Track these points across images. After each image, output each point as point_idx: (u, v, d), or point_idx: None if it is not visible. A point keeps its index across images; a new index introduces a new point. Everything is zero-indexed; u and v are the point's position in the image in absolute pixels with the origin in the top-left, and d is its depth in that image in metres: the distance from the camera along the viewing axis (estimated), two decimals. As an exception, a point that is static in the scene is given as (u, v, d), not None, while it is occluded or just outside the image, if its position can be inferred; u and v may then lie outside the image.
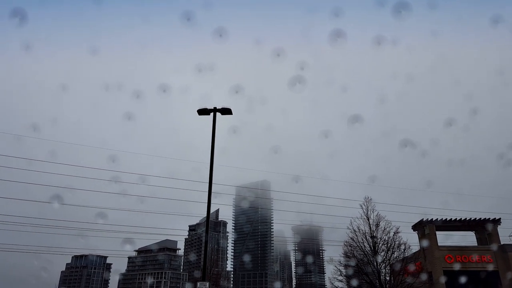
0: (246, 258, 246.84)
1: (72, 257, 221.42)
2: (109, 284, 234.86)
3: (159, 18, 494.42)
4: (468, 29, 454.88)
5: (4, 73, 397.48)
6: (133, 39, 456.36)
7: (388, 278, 33.44)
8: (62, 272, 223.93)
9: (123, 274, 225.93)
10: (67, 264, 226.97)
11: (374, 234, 33.59)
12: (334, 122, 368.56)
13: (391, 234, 33.43)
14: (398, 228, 33.89)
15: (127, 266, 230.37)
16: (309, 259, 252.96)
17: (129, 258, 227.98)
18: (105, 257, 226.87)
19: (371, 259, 33.18)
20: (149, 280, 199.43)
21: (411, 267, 33.81)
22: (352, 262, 34.03)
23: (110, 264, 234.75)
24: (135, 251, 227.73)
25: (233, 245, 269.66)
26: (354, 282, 33.56)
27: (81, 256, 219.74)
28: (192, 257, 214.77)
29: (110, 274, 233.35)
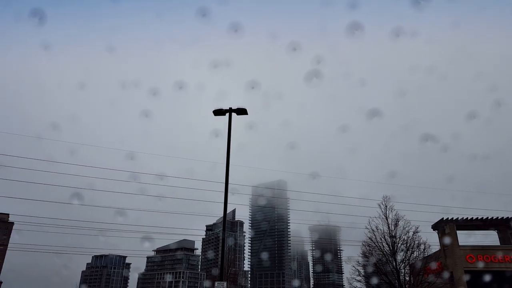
0: (263, 257, 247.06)
1: (92, 257, 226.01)
2: (128, 283, 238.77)
3: (174, 14, 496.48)
4: (490, 18, 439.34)
5: (23, 72, 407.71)
6: (148, 36, 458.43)
7: (407, 278, 32.98)
8: (82, 271, 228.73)
9: (142, 274, 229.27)
10: (87, 264, 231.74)
11: (393, 234, 33.18)
12: (352, 117, 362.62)
13: (411, 233, 33.01)
14: (417, 228, 33.42)
15: (146, 266, 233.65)
16: (327, 258, 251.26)
17: (148, 257, 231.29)
18: (125, 257, 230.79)
19: (390, 259, 32.77)
20: (168, 279, 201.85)
21: (432, 267, 33.24)
22: (371, 262, 33.69)
23: (129, 264, 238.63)
24: (154, 250, 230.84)
25: (250, 244, 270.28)
26: (373, 282, 33.21)
27: (101, 256, 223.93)
28: (210, 256, 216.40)
29: (130, 273, 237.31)
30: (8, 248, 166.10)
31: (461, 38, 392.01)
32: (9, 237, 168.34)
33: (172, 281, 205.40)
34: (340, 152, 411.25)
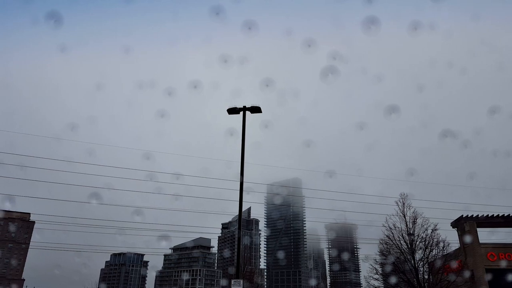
0: (279, 255, 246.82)
1: (110, 255, 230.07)
2: (146, 281, 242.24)
3: (188, 13, 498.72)
4: (511, 8, 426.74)
5: (40, 74, 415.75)
6: (162, 35, 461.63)
7: (426, 277, 32.42)
8: (102, 269, 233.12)
9: (159, 271, 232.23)
10: (106, 262, 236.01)
11: (411, 232, 32.65)
12: (369, 114, 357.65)
13: (429, 231, 32.42)
14: (436, 225, 32.79)
15: (163, 264, 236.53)
16: (344, 257, 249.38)
17: (165, 255, 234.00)
18: (142, 255, 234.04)
19: (408, 257, 32.28)
20: (185, 277, 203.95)
21: (451, 265, 32.56)
22: (388, 260, 33.23)
23: (147, 262, 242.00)
24: (171, 248, 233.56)
25: (265, 242, 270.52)
26: (391, 281, 32.75)
27: (120, 254, 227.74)
28: (226, 254, 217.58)
29: (147, 271, 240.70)
30: (29, 247, 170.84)
31: (481, 31, 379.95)
32: (31, 236, 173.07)
33: (189, 279, 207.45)
34: (356, 149, 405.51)
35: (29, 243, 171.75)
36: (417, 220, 32.92)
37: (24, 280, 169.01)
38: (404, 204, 33.71)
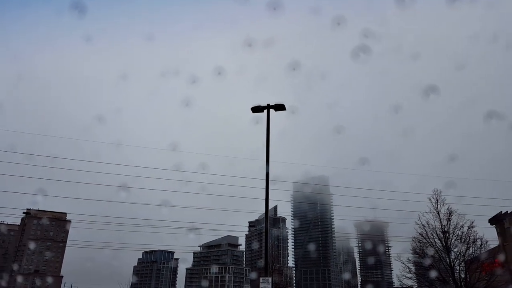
0: (308, 253, 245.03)
1: (142, 252, 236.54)
2: (177, 278, 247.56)
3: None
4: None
5: (65, 66, 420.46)
6: (186, 20, 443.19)
7: (463, 275, 31.16)
8: (134, 266, 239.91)
9: (189, 269, 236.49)
10: (138, 259, 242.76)
11: (446, 229, 31.45)
12: (405, 96, 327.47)
13: (465, 228, 31.12)
14: (472, 222, 31.43)
15: (193, 261, 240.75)
16: (374, 255, 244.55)
17: (194, 253, 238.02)
18: (173, 253, 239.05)
19: (443, 255, 31.12)
20: (214, 269, 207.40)
21: (490, 264, 31.11)
22: (422, 259, 32.20)
23: (177, 259, 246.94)
24: (200, 246, 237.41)
25: (293, 241, 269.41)
26: (425, 279, 31.72)
27: (151, 251, 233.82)
28: (254, 247, 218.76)
29: (178, 268, 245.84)
30: (66, 245, 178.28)
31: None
32: (67, 234, 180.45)
33: (218, 276, 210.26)
34: (391, 137, 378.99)
35: (66, 242, 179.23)
36: (452, 217, 31.75)
37: (62, 276, 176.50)
38: (437, 200, 32.56)
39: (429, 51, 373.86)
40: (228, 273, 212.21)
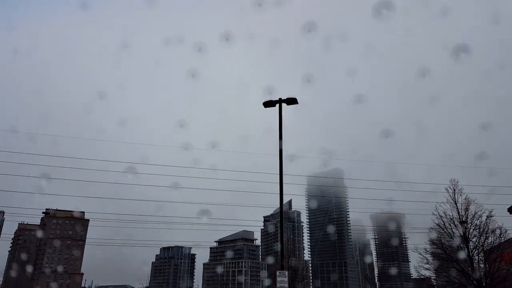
0: (323, 246, 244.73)
1: (160, 248, 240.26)
2: (194, 273, 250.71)
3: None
4: None
5: (63, 35, 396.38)
6: None
7: (482, 266, 30.77)
8: (152, 262, 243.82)
9: (206, 264, 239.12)
10: (156, 255, 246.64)
11: (464, 219, 31.04)
12: (433, 57, 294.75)
13: (484, 218, 30.65)
14: (491, 211, 30.92)
15: (209, 256, 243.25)
16: (391, 247, 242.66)
17: (210, 248, 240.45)
18: (190, 248, 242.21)
19: (462, 245, 30.74)
20: (230, 267, 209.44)
21: (510, 253, 30.63)
22: (440, 250, 31.88)
23: (194, 255, 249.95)
24: (216, 241, 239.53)
25: (309, 234, 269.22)
26: (443, 270, 31.42)
27: (168, 247, 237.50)
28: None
29: (195, 263, 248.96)
30: (85, 243, 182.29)
31: None
32: (86, 233, 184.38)
33: (235, 270, 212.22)
34: (417, 104, 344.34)
35: (85, 240, 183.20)
36: (470, 206, 31.28)
37: (83, 274, 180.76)
38: (455, 190, 32.12)
39: (460, 5, 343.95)
40: (245, 267, 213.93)
